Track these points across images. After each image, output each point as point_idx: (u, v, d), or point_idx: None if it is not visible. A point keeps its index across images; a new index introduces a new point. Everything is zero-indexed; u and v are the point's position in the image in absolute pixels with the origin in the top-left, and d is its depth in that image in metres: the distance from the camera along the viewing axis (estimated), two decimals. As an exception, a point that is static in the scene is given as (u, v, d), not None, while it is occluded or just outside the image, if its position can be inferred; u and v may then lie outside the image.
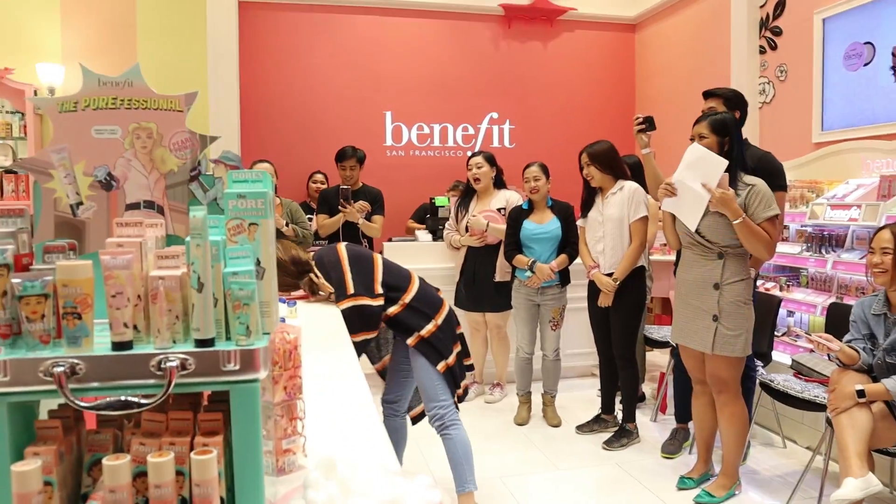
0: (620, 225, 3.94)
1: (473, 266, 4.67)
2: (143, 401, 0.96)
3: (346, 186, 4.80)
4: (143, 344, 1.01)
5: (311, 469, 1.16)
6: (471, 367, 3.00)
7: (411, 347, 2.75)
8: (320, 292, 2.97)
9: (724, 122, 3.11)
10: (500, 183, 4.70)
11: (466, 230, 4.63)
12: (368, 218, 4.88)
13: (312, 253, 2.85)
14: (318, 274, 2.78)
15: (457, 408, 2.87)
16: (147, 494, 0.97)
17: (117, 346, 0.98)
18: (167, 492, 0.95)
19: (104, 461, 0.94)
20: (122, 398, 0.96)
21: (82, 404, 0.95)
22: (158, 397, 0.95)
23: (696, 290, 3.18)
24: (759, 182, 3.05)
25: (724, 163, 2.99)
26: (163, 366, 0.96)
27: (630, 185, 3.93)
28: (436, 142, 6.64)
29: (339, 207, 4.74)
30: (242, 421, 1.00)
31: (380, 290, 2.66)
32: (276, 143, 6.22)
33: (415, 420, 3.12)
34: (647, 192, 3.97)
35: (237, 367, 0.99)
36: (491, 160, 4.67)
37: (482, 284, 4.63)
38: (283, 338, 1.31)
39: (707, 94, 3.61)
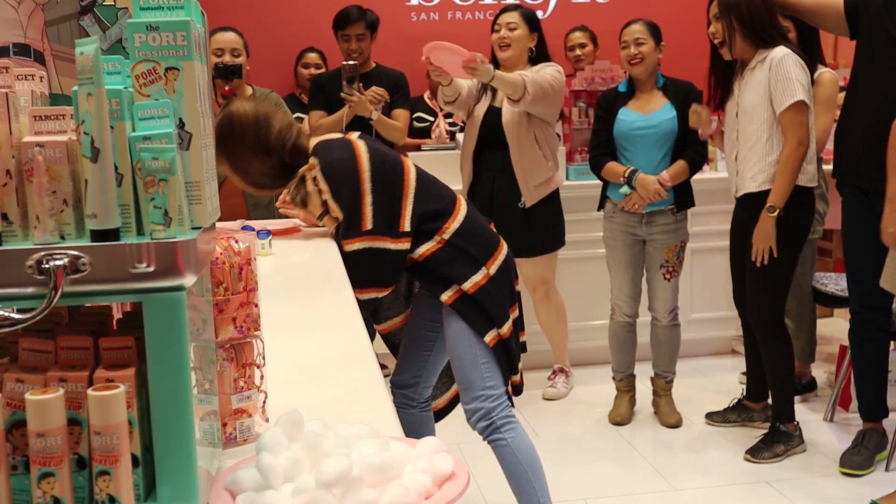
0: (759, 118, 3.83)
1: (491, 182, 4.58)
2: (17, 315, 1.02)
3: (352, 62, 4.80)
4: (16, 240, 1.07)
5: (270, 428, 1.23)
6: (524, 347, 2.99)
7: (447, 306, 2.75)
8: (312, 212, 2.96)
9: None
10: (541, 56, 4.61)
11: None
12: (387, 113, 4.91)
13: (318, 143, 2.74)
14: (323, 184, 2.62)
15: (511, 402, 2.88)
16: (27, 452, 1.04)
17: (-22, 240, 1.05)
18: (55, 443, 1.02)
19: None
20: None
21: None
22: (38, 311, 1.01)
23: None
24: None
25: None
26: (45, 266, 1.02)
27: (777, 54, 3.76)
28: (485, -3, 6.61)
29: (343, 95, 4.76)
30: (162, 346, 1.06)
31: (407, 226, 2.64)
32: (249, 7, 6.24)
33: (439, 414, 3.17)
34: None
35: (152, 269, 1.04)
36: (531, 19, 4.56)
37: (506, 212, 4.48)
38: (228, 246, 1.37)
39: None
